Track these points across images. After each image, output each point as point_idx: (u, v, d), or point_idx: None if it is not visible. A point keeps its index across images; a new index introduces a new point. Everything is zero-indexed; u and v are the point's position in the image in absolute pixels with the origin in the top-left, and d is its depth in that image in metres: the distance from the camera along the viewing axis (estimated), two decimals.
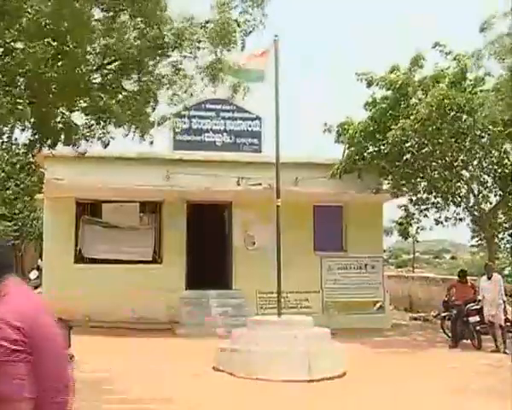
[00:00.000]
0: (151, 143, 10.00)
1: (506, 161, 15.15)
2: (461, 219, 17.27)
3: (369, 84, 15.25)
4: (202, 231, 16.30)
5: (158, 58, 8.53)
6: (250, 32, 8.52)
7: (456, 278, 14.74)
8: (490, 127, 13.67)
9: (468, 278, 14.49)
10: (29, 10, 6.45)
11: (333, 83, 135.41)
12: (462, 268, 16.43)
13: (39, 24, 6.53)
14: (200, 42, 8.25)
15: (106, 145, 9.59)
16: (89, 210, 16.16)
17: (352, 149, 15.36)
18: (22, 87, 7.93)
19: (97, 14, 7.43)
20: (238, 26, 8.24)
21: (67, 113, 8.87)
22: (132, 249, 15.78)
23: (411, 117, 13.86)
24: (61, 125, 8.96)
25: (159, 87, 8.83)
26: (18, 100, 7.84)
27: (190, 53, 8.41)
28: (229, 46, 8.42)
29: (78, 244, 15.82)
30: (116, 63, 8.02)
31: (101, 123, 9.12)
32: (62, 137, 9.15)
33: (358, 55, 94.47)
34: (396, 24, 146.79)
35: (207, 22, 8.19)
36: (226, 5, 7.96)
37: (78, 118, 9.22)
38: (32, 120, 8.64)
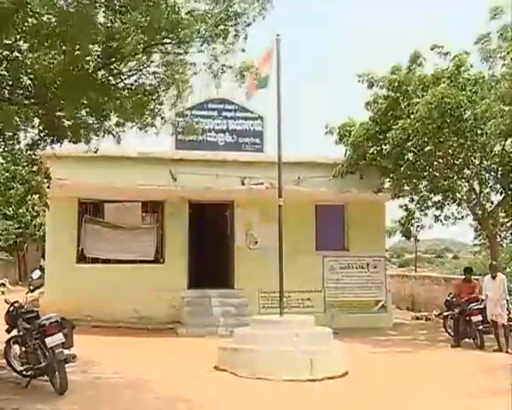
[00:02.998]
0: (156, 134, 9.93)
1: (507, 159, 15.10)
2: (462, 217, 17.29)
3: (371, 85, 15.27)
4: (204, 231, 16.31)
5: (154, 50, 8.46)
6: (249, 24, 8.44)
7: (460, 277, 14.71)
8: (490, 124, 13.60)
9: (472, 277, 14.46)
10: (37, 11, 6.43)
11: (335, 83, 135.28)
12: (468, 266, 16.43)
13: (44, 26, 6.52)
14: (199, 32, 8.17)
15: (118, 140, 9.56)
16: (91, 210, 16.18)
17: (354, 151, 15.36)
18: (25, 86, 7.92)
19: (101, 13, 7.40)
20: (238, 16, 8.16)
21: (73, 111, 8.85)
22: (134, 249, 15.80)
23: (411, 116, 13.87)
24: (67, 123, 8.94)
25: (159, 83, 8.79)
26: (23, 99, 7.87)
27: (188, 45, 8.33)
28: (229, 38, 8.34)
29: (81, 244, 15.84)
30: (116, 60, 7.98)
31: (104, 120, 9.10)
32: (69, 135, 9.15)
33: (361, 56, 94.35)
34: (397, 26, 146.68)
35: (207, 14, 8.10)
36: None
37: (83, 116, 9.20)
38: (37, 119, 8.64)
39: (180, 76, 8.80)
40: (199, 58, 8.73)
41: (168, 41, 8.05)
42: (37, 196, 11.83)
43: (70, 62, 7.22)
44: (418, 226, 18.56)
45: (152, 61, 8.51)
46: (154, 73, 8.67)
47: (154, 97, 8.94)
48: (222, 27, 7.85)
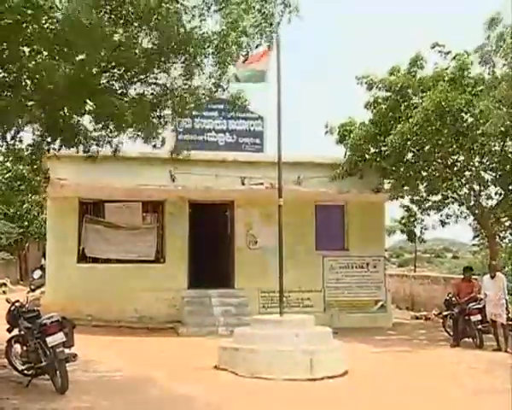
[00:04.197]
0: (154, 146, 10.02)
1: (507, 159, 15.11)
2: (464, 217, 17.31)
3: (370, 88, 15.23)
4: (204, 231, 16.34)
5: (163, 65, 8.52)
6: (257, 45, 8.54)
7: (459, 276, 14.74)
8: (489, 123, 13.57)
9: (472, 276, 14.48)
10: (41, 17, 6.46)
11: (336, 83, 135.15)
12: (468, 265, 16.47)
13: (49, 31, 6.56)
14: (206, 53, 8.23)
15: (115, 151, 9.63)
16: (92, 210, 16.22)
17: (354, 152, 15.36)
18: (29, 89, 7.97)
19: (106, 20, 7.44)
20: (246, 35, 8.22)
21: (75, 116, 8.91)
22: (135, 249, 15.86)
23: (410, 120, 13.87)
24: (68, 127, 9.00)
25: (165, 93, 8.84)
26: (26, 102, 7.91)
27: (194, 60, 8.40)
28: (234, 57, 8.41)
29: (82, 244, 15.88)
30: (121, 68, 8.04)
31: (107, 127, 9.16)
32: (70, 138, 9.21)
33: (361, 55, 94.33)
34: (396, 25, 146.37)
35: (214, 34, 8.16)
36: (234, 22, 7.91)
37: (86, 121, 9.28)
38: (39, 121, 8.69)
39: (181, 88, 8.85)
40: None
41: (173, 55, 8.10)
42: (38, 195, 11.93)
43: (74, 67, 7.26)
44: (422, 228, 18.47)
45: (155, 73, 8.57)
46: (155, 83, 8.73)
47: (156, 109, 8.99)
48: (227, 47, 7.89)
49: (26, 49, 6.90)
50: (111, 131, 9.31)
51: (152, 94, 8.84)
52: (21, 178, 11.20)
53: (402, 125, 14.03)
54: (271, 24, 7.95)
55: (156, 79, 8.71)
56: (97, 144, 9.48)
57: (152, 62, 8.09)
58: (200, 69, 8.43)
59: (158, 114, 9.23)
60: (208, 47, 7.94)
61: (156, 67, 8.33)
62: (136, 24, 7.29)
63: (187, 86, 8.85)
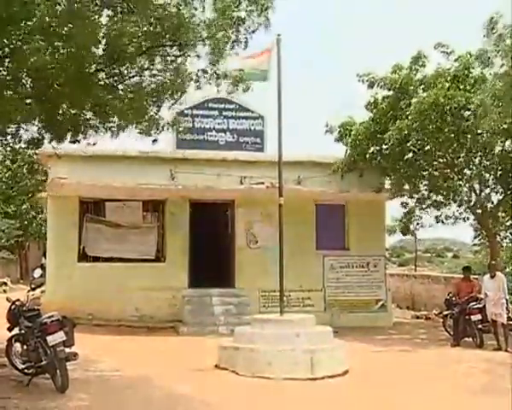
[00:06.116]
0: (154, 141, 9.99)
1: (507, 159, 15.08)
2: (463, 219, 17.25)
3: (371, 85, 15.19)
4: (205, 230, 16.34)
5: (155, 53, 8.51)
6: (253, 30, 8.51)
7: (459, 276, 14.75)
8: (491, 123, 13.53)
9: (471, 276, 14.49)
10: (37, 12, 6.46)
11: (335, 82, 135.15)
12: (467, 265, 16.46)
13: (47, 26, 6.57)
14: (202, 39, 8.22)
15: (117, 136, 9.60)
16: (92, 209, 16.22)
17: (354, 150, 15.34)
18: (28, 85, 7.97)
19: (103, 13, 7.44)
20: (242, 22, 8.22)
21: (73, 110, 8.91)
22: (135, 248, 15.85)
23: (409, 117, 13.84)
24: (67, 121, 8.99)
25: (159, 86, 8.84)
26: (25, 98, 7.91)
27: (190, 48, 8.37)
28: (232, 44, 8.41)
29: (82, 243, 15.88)
30: (118, 62, 8.04)
31: (104, 121, 9.16)
32: (69, 132, 9.21)
33: (361, 56, 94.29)
34: (399, 25, 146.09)
35: (211, 21, 8.16)
36: (229, 5, 7.92)
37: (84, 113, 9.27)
38: (39, 116, 8.69)
39: (179, 80, 8.84)
40: (197, 65, 8.83)
41: (169, 44, 8.10)
42: (29, 196, 11.90)
43: (71, 62, 7.27)
44: (418, 224, 18.39)
45: (153, 64, 8.56)
46: (154, 76, 8.72)
47: (154, 100, 8.98)
48: (223, 33, 7.89)
49: (27, 46, 6.91)
50: (109, 124, 9.29)
51: (148, 85, 8.82)
52: (21, 179, 11.18)
53: (400, 121, 14.01)
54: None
55: (157, 71, 8.69)
56: (96, 132, 9.44)
57: (149, 54, 8.09)
58: (196, 56, 8.43)
59: (156, 106, 9.20)
60: (206, 38, 7.94)
61: (154, 55, 8.33)
62: (134, 11, 7.28)
63: (184, 76, 8.83)
